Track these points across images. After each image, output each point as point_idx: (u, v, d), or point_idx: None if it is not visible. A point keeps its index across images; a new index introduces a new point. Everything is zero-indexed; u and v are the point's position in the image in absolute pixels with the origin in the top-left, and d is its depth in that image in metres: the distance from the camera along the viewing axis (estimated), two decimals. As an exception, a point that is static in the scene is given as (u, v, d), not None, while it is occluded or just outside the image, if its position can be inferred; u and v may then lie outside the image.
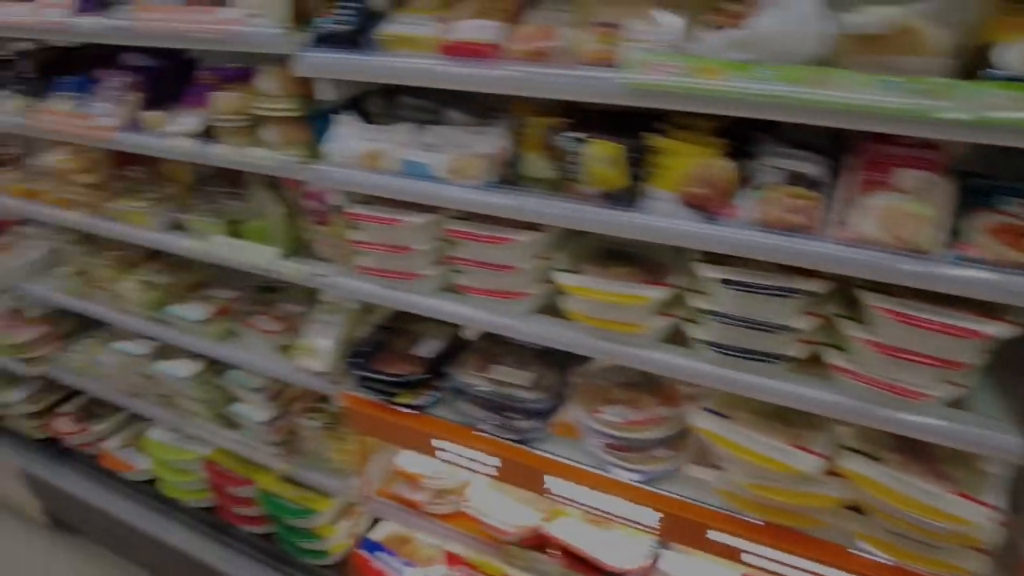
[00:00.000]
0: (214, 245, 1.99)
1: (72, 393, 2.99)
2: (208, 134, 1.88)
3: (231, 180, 2.27)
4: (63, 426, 2.90)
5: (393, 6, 1.59)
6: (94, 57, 2.50)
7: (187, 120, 1.91)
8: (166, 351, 2.44)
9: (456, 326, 2.02)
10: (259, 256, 1.91)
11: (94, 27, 1.83)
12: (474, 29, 1.44)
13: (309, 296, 2.22)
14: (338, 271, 1.87)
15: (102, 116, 2.00)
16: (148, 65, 2.11)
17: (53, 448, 2.96)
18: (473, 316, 1.69)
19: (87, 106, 2.08)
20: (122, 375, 2.56)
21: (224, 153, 1.81)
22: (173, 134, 1.90)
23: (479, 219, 1.63)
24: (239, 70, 1.95)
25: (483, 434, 1.82)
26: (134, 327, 2.39)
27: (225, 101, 1.80)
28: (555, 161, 1.54)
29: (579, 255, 1.65)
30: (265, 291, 2.42)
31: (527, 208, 1.48)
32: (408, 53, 1.51)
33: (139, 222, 2.16)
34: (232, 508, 2.48)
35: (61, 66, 2.45)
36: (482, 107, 1.72)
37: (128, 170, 2.32)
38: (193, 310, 2.22)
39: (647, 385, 1.77)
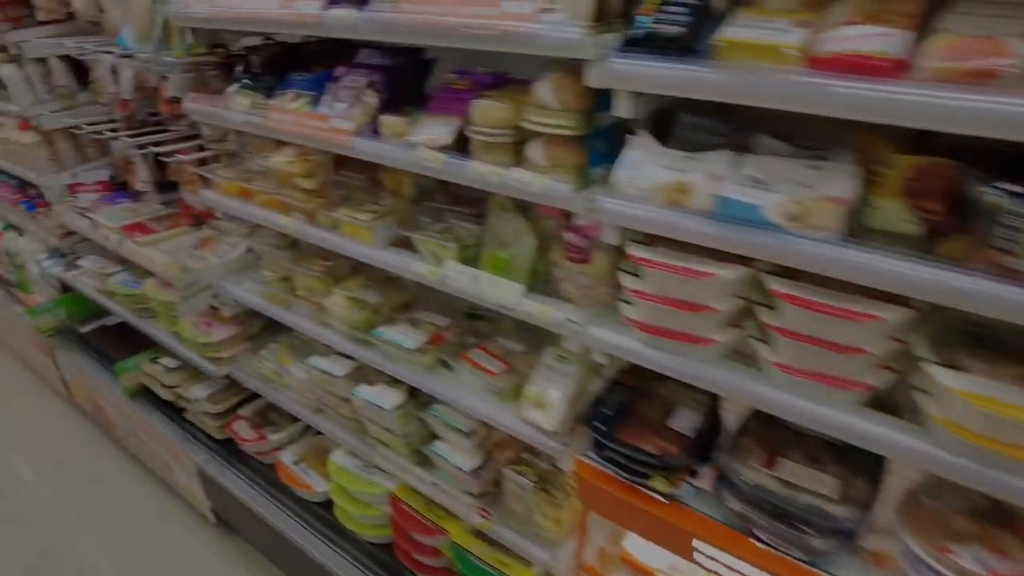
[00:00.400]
0: (449, 273, 1.75)
1: (252, 395, 2.92)
2: (459, 147, 1.64)
3: (457, 196, 2.04)
4: (240, 430, 2.82)
5: (733, 5, 1.25)
6: (316, 54, 2.39)
7: (435, 130, 1.68)
8: (363, 372, 2.26)
9: (715, 396, 1.67)
10: (505, 293, 1.64)
11: (350, 21, 1.64)
12: (867, 38, 1.08)
13: (525, 331, 1.95)
14: (591, 319, 1.57)
15: (338, 118, 1.82)
16: (386, 63, 1.92)
17: (230, 449, 2.90)
18: (785, 403, 1.32)
19: (322, 106, 1.92)
20: (311, 391, 2.42)
21: (481, 173, 1.55)
22: (418, 144, 1.68)
23: (805, 278, 1.26)
24: (499, 76, 1.70)
25: (761, 545, 1.45)
26: (333, 343, 2.23)
27: (488, 111, 1.55)
28: (928, 212, 1.16)
29: (938, 338, 1.24)
30: (473, 318, 2.19)
31: (914, 276, 1.09)
32: (757, 65, 1.17)
33: (359, 236, 1.97)
34: (413, 554, 2.26)
35: (285, 63, 2.34)
36: (786, 132, 1.37)
37: (343, 175, 2.16)
38: (406, 336, 2.01)
39: (1001, 516, 1.33)
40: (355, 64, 1.94)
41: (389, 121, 1.78)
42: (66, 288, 3.75)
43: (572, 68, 1.42)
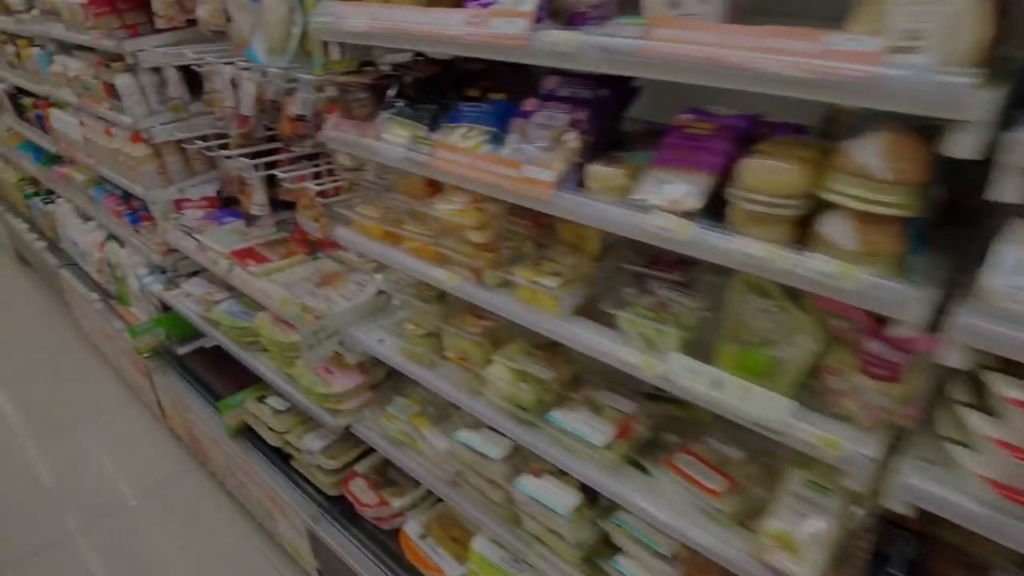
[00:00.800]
0: (676, 369, 1.36)
1: (369, 449, 2.62)
2: (712, 212, 1.26)
3: (656, 255, 1.66)
4: (358, 491, 2.52)
5: None
6: (469, 75, 2.05)
7: (674, 188, 1.30)
8: (521, 453, 1.91)
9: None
10: (765, 407, 1.25)
11: (573, 47, 1.27)
12: None
13: (731, 425, 1.56)
14: (900, 460, 1.16)
15: (532, 165, 1.46)
16: (590, 96, 1.55)
17: (344, 508, 2.60)
18: None
19: (505, 147, 1.57)
20: (451, 464, 2.09)
21: (755, 255, 1.16)
22: (652, 207, 1.30)
23: None
24: (754, 120, 1.31)
25: None
26: (487, 418, 1.88)
27: (770, 173, 1.15)
28: None
29: None
30: (655, 399, 1.81)
31: None
32: None
33: (540, 304, 1.61)
34: (574, 675, 1.89)
35: (441, 85, 2.01)
36: None
37: (510, 221, 1.80)
38: (590, 427, 1.64)
39: None
40: (549, 96, 1.58)
41: (601, 172, 1.41)
42: (166, 307, 3.56)
43: (910, 126, 1.02)
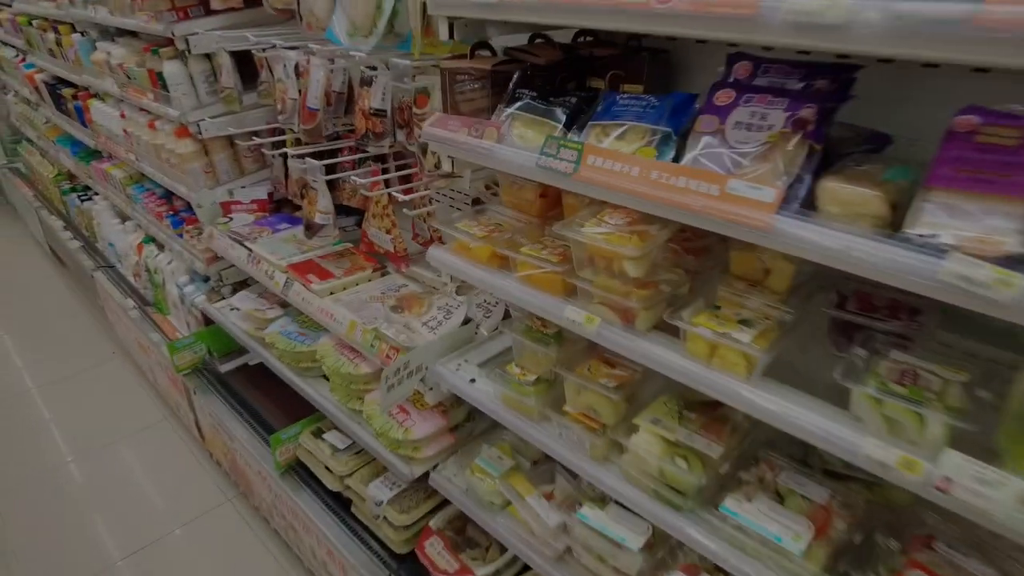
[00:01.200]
0: (955, 474, 0.95)
1: (446, 500, 2.24)
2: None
3: (866, 298, 1.27)
4: (434, 554, 2.14)
5: None
6: (591, 61, 1.67)
7: (981, 222, 0.90)
8: (661, 538, 1.52)
9: None
10: None
11: (842, 15, 0.87)
12: None
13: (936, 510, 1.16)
14: None
15: (741, 181, 1.07)
16: (813, 88, 1.15)
17: (417, 568, 2.22)
18: None
19: (689, 154, 1.18)
20: (561, 542, 1.70)
21: None
22: (949, 249, 0.89)
23: None
24: None
25: None
26: (620, 493, 1.49)
27: None
28: None
29: None
30: (833, 476, 1.41)
31: None
32: None
33: (725, 362, 1.21)
34: None
35: (567, 74, 1.63)
36: None
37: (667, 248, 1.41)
38: (781, 525, 1.24)
39: None
40: (751, 87, 1.18)
41: (846, 193, 1.01)
42: (208, 320, 3.22)
43: None
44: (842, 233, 0.98)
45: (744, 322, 1.23)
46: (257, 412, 3.03)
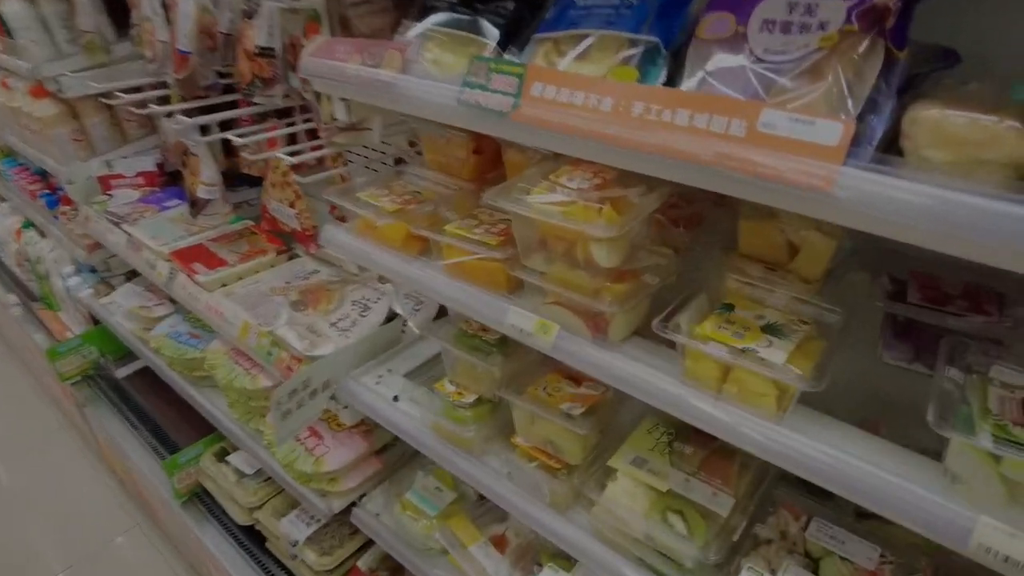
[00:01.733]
0: None
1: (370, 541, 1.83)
2: None
3: (935, 284, 0.88)
4: (365, 602, 1.74)
5: None
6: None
7: None
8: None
9: None
10: None
11: None
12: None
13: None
14: None
15: (775, 112, 0.65)
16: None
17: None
18: None
19: (689, 77, 0.75)
20: (519, 605, 1.31)
21: None
22: None
23: None
24: None
25: None
26: (590, 555, 1.10)
27: None
28: None
29: None
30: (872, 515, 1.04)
31: None
32: None
33: (745, 392, 0.81)
34: None
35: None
36: None
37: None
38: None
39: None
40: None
41: (962, 126, 0.60)
42: (96, 319, 2.70)
43: None
44: (981, 198, 0.57)
45: (772, 330, 0.83)
46: (159, 427, 2.54)
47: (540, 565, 1.24)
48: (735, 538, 0.96)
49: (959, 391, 0.74)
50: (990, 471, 0.69)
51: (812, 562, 0.98)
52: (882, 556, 0.98)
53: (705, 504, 0.97)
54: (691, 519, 0.98)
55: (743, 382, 0.81)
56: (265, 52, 1.64)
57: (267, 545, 2.03)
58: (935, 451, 0.83)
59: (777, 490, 1.08)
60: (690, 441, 1.08)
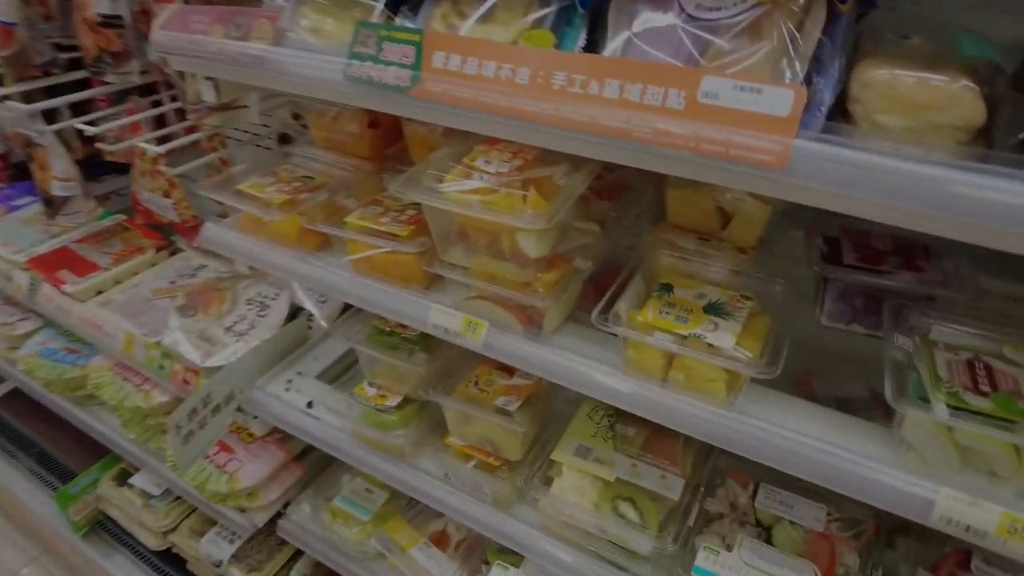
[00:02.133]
0: None
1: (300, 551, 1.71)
2: None
3: (857, 238, 0.86)
4: (303, 615, 1.64)
5: None
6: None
7: None
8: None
9: None
10: None
11: None
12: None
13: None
14: None
15: (717, 78, 0.58)
16: None
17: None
18: None
19: (613, 41, 0.66)
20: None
21: None
22: None
23: None
24: None
25: None
26: (537, 551, 1.04)
27: None
28: None
29: None
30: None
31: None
32: None
33: (692, 379, 0.76)
34: None
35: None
36: None
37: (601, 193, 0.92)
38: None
39: None
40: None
41: (916, 88, 0.55)
42: (-47, 336, 2.35)
43: None
44: (954, 171, 0.52)
45: (715, 309, 0.78)
46: (45, 452, 2.28)
47: (488, 563, 1.19)
48: (690, 522, 0.93)
49: (907, 358, 0.72)
50: (945, 440, 0.67)
51: (764, 531, 0.97)
52: (829, 515, 0.98)
53: (655, 489, 0.93)
54: (642, 505, 0.94)
55: (690, 369, 0.76)
56: (109, 21, 1.41)
57: (189, 567, 1.87)
58: (865, 401, 0.83)
59: (722, 459, 1.06)
60: (633, 421, 1.03)
